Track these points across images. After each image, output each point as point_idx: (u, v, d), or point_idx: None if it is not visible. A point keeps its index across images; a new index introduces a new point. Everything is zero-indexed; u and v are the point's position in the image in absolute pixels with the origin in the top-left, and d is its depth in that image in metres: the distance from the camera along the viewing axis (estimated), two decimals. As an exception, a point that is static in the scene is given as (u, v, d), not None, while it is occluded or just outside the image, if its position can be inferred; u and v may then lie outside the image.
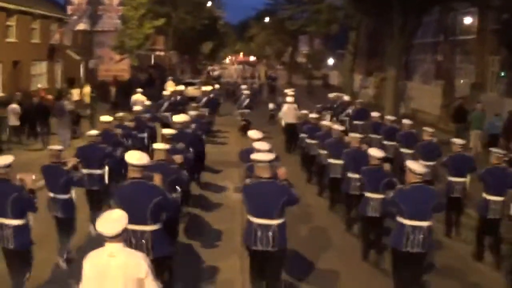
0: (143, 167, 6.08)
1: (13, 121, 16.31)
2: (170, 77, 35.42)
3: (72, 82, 27.57)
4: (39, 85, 21.67)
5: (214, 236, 9.42)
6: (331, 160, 10.59)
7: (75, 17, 27.74)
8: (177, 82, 28.86)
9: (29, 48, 25.46)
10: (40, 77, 27.21)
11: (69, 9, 26.96)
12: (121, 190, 6.17)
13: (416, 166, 6.59)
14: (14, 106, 16.36)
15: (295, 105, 16.41)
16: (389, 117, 13.63)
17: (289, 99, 16.78)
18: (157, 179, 6.14)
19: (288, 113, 16.16)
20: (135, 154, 6.18)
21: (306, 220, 10.17)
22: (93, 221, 8.98)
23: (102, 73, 32.21)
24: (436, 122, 21.62)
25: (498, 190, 8.26)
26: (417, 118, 21.99)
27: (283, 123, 16.59)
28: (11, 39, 23.43)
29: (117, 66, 31.17)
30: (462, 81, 24.77)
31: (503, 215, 8.35)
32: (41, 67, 27.52)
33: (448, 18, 26.32)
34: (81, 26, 28.53)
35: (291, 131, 15.93)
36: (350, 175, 9.32)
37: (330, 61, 50.99)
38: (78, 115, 18.79)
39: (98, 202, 9.19)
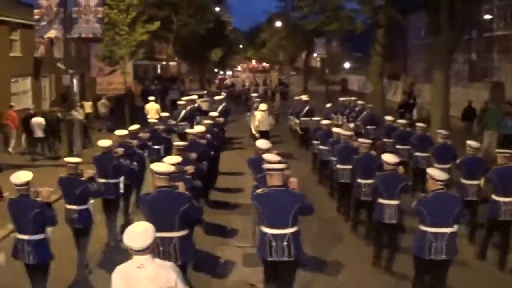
0: (169, 176, 7.14)
1: (38, 133, 18.72)
2: (174, 89, 36.78)
3: (64, 98, 26.86)
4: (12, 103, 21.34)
5: (225, 240, 10.70)
6: (339, 166, 11.47)
7: (43, 23, 23.93)
8: (183, 94, 29.95)
9: (8, 63, 24.45)
10: (24, 95, 26.24)
11: (36, 13, 22.84)
12: (149, 199, 7.12)
13: (437, 173, 7.22)
14: (39, 119, 18.77)
15: (267, 113, 18.56)
16: (401, 121, 14.57)
17: (262, 107, 18.73)
18: (181, 187, 7.19)
19: (262, 120, 18.05)
20: (161, 163, 7.25)
21: (316, 218, 10.82)
22: (109, 229, 10.32)
23: (102, 87, 31.19)
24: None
25: (506, 190, 8.91)
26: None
27: (253, 130, 18.52)
28: (-15, 53, 22.07)
29: (117, 79, 30.67)
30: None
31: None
32: (24, 84, 26.52)
33: (481, 13, 25.30)
34: (52, 33, 25.01)
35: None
36: (360, 181, 10.15)
37: (346, 65, 52.03)
38: (86, 126, 20.73)
39: (114, 211, 10.36)
